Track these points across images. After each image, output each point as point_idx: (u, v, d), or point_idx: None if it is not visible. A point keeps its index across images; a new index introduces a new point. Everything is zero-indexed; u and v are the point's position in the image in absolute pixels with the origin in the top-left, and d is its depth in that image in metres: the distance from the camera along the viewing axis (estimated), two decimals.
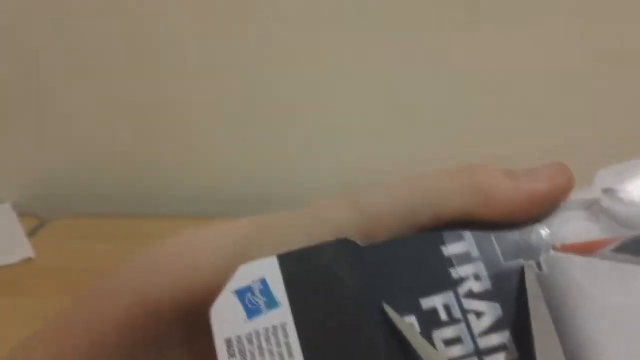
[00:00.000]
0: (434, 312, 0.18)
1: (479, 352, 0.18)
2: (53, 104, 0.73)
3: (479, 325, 0.18)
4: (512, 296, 0.19)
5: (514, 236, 0.19)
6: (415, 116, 0.71)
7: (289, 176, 0.75)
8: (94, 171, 0.77)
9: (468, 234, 0.19)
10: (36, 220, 0.74)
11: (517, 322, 0.18)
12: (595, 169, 0.22)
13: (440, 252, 0.19)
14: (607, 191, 0.20)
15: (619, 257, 0.19)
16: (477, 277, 0.19)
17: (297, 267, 0.19)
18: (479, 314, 0.18)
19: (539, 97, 0.70)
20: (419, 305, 0.18)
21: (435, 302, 0.18)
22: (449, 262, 0.19)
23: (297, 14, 0.67)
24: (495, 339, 0.18)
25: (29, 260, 0.64)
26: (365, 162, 0.73)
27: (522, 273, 0.19)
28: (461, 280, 0.19)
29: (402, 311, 0.18)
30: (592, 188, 0.20)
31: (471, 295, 0.19)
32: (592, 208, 0.20)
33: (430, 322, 0.18)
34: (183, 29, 0.69)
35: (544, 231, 0.20)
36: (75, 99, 0.73)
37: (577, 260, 0.19)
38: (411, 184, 0.20)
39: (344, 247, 0.19)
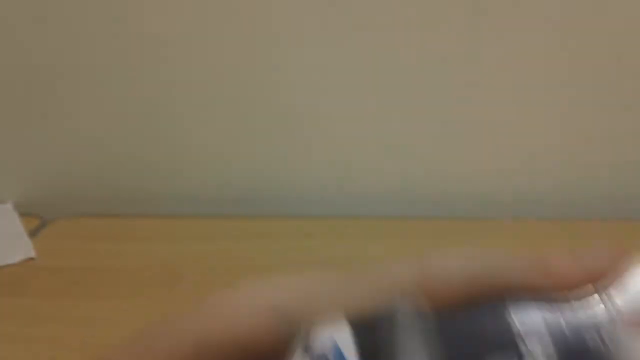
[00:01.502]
0: None
1: None
2: (54, 104, 0.73)
3: None
4: None
5: (578, 308, 0.19)
6: (417, 119, 0.71)
7: (290, 177, 0.75)
8: (95, 171, 0.77)
9: (532, 306, 0.19)
10: (37, 220, 0.74)
11: None
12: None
13: (507, 324, 0.19)
14: None
15: None
16: (545, 351, 0.18)
17: (366, 331, 0.18)
18: None
19: (541, 98, 0.70)
20: None
21: None
22: (517, 335, 0.19)
23: (299, 15, 0.67)
24: None
25: (30, 260, 0.64)
26: (365, 164, 0.73)
27: (587, 347, 0.18)
28: (529, 355, 0.18)
29: None
30: None
31: None
32: None
33: None
34: (184, 30, 0.69)
35: (607, 302, 0.19)
36: (77, 99, 0.73)
37: None
38: (477, 253, 0.21)
39: (413, 312, 0.19)
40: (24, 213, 0.74)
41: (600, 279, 0.20)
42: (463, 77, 0.69)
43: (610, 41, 0.66)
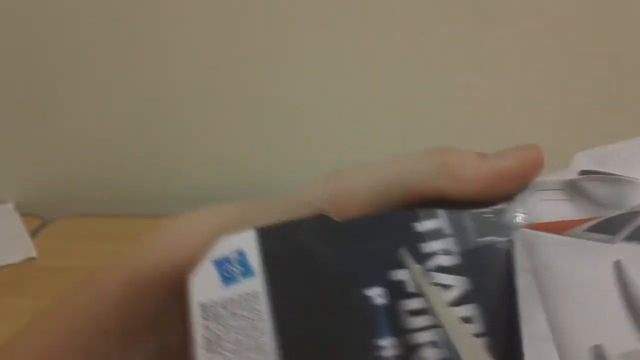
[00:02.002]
0: (401, 284, 0.19)
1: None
2: (55, 105, 0.74)
3: (445, 297, 0.19)
4: (482, 271, 0.19)
5: (487, 214, 0.20)
6: (418, 119, 0.71)
7: (290, 177, 0.75)
8: (95, 172, 0.77)
9: (441, 212, 0.20)
10: (38, 220, 0.74)
11: (486, 296, 0.19)
12: None
13: (412, 228, 0.20)
14: (584, 172, 0.20)
15: (590, 236, 0.19)
16: (447, 252, 0.19)
17: (273, 239, 0.20)
18: (446, 287, 0.19)
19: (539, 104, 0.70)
20: (387, 277, 0.19)
21: (402, 274, 0.19)
22: (420, 238, 0.19)
23: (299, 15, 0.68)
24: (460, 311, 0.19)
25: (30, 259, 0.64)
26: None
27: (493, 249, 0.19)
28: (430, 255, 0.19)
29: (372, 283, 0.19)
30: (569, 170, 0.21)
31: (439, 269, 0.19)
32: (568, 189, 0.20)
33: (397, 293, 0.19)
34: (184, 30, 0.69)
35: (517, 210, 0.20)
36: (77, 100, 0.73)
37: (548, 237, 0.19)
38: (384, 164, 0.21)
39: (319, 221, 0.20)
40: (25, 213, 0.75)
41: (507, 177, 0.20)
42: (464, 77, 0.69)
43: (610, 41, 0.66)
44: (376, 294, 0.19)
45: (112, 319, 0.22)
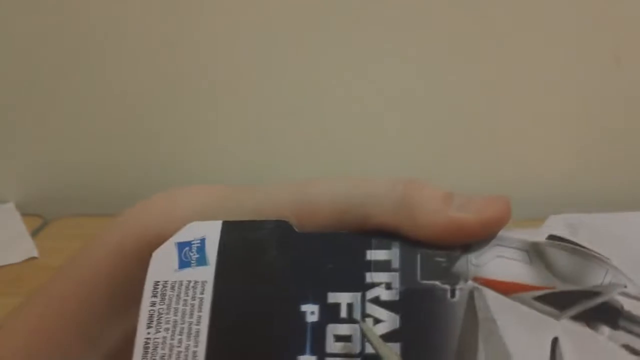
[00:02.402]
0: (336, 307, 0.19)
1: (364, 356, 0.18)
2: (56, 104, 0.74)
3: (374, 330, 0.19)
4: (415, 313, 0.19)
5: (439, 258, 0.19)
6: (418, 120, 0.71)
7: (289, 177, 0.75)
8: (96, 171, 0.77)
9: (395, 245, 0.20)
10: (39, 219, 0.74)
11: (411, 338, 0.19)
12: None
13: (363, 255, 0.20)
14: (552, 237, 0.19)
15: (537, 305, 0.18)
16: (388, 286, 0.19)
17: (235, 235, 0.20)
18: (377, 320, 0.19)
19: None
20: (325, 297, 0.19)
21: (340, 298, 0.19)
22: (367, 266, 0.19)
23: (299, 15, 0.68)
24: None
25: (31, 259, 0.65)
26: (366, 164, 0.73)
27: (432, 294, 0.19)
28: (372, 285, 0.19)
29: (309, 299, 0.19)
30: (538, 230, 0.20)
31: (377, 301, 0.19)
32: (530, 251, 0.19)
33: (329, 315, 0.19)
34: (183, 29, 0.69)
35: (470, 261, 0.19)
36: (78, 100, 0.73)
37: (491, 294, 0.19)
38: (351, 183, 0.21)
39: (281, 227, 0.20)
40: (26, 213, 0.75)
41: (464, 231, 0.19)
42: (464, 77, 0.69)
43: (610, 41, 0.66)
44: (310, 311, 0.19)
45: (102, 287, 0.23)
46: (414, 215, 0.20)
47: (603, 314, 0.18)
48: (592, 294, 0.18)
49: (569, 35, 0.67)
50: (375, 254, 0.20)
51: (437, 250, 0.19)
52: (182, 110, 0.73)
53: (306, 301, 0.19)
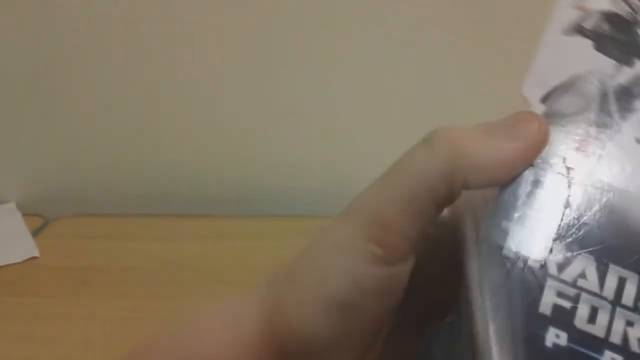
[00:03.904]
0: None
1: None
2: (56, 104, 0.74)
3: None
4: None
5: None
6: (418, 119, 0.71)
7: (290, 177, 0.75)
8: (97, 171, 0.77)
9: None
10: (40, 219, 0.74)
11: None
12: None
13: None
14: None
15: None
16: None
17: None
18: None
19: None
20: None
21: None
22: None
23: (299, 15, 0.68)
24: None
25: (33, 259, 0.65)
26: (366, 164, 0.73)
27: None
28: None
29: None
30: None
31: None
32: None
33: None
34: (185, 29, 0.69)
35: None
36: (79, 99, 0.74)
37: None
38: (395, 176, 0.22)
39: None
40: (27, 213, 0.75)
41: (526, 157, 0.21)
42: (465, 76, 0.69)
43: None
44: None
45: None
46: (470, 156, 0.20)
47: None
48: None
49: None
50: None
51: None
52: (182, 110, 0.73)
53: None
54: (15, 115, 0.75)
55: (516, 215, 0.21)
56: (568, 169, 0.21)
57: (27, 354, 0.50)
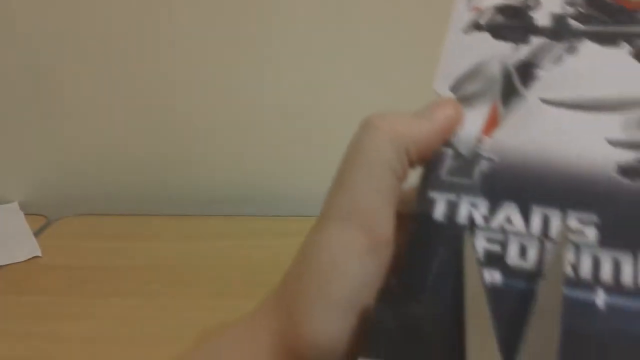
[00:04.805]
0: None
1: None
2: (59, 104, 0.74)
3: None
4: None
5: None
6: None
7: (290, 176, 0.75)
8: (99, 171, 0.77)
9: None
10: (42, 219, 0.74)
11: None
12: None
13: None
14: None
15: None
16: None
17: None
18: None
19: None
20: None
21: None
22: None
23: (299, 14, 0.68)
24: None
25: (35, 258, 0.65)
26: None
27: None
28: None
29: None
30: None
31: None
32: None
33: None
34: (186, 30, 0.69)
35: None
36: (80, 99, 0.74)
37: None
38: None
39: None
40: (30, 212, 0.75)
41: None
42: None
43: None
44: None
45: None
46: (406, 135, 0.24)
47: None
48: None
49: None
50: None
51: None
52: (183, 110, 0.74)
53: None
54: (17, 116, 0.75)
55: (440, 184, 0.24)
56: (481, 140, 0.24)
57: (29, 353, 0.51)
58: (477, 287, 0.21)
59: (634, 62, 0.24)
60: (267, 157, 0.75)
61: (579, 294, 0.21)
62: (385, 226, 0.23)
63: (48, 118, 0.75)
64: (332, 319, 0.22)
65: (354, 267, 0.22)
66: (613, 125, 0.23)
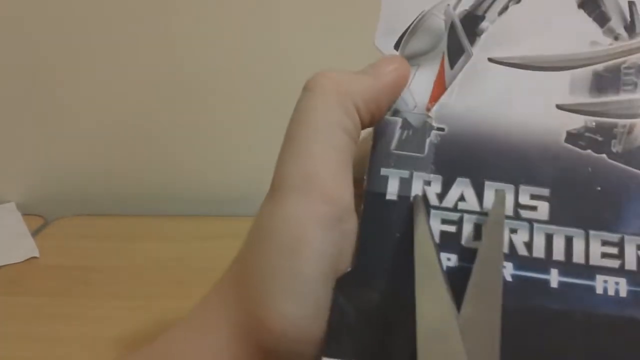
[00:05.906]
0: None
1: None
2: (56, 103, 0.74)
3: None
4: None
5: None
6: None
7: None
8: (97, 171, 0.77)
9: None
10: (40, 219, 0.74)
11: None
12: None
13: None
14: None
15: None
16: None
17: None
18: None
19: None
20: None
21: None
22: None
23: (298, 14, 0.68)
24: None
25: (33, 259, 0.65)
26: None
27: None
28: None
29: None
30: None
31: None
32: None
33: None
34: (186, 30, 0.69)
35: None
36: (78, 100, 0.74)
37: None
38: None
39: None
40: (27, 213, 0.75)
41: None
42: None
43: None
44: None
45: None
46: (353, 92, 0.23)
47: None
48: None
49: None
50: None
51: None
52: (182, 110, 0.73)
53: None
54: (15, 116, 0.75)
55: (391, 161, 0.23)
56: (430, 107, 0.24)
57: (27, 354, 0.50)
58: (428, 245, 0.20)
59: (579, 11, 0.24)
60: (267, 157, 0.75)
61: (533, 274, 0.20)
62: (345, 192, 0.22)
63: (45, 118, 0.75)
64: (301, 298, 0.19)
65: (319, 237, 0.20)
66: (562, 85, 0.23)
